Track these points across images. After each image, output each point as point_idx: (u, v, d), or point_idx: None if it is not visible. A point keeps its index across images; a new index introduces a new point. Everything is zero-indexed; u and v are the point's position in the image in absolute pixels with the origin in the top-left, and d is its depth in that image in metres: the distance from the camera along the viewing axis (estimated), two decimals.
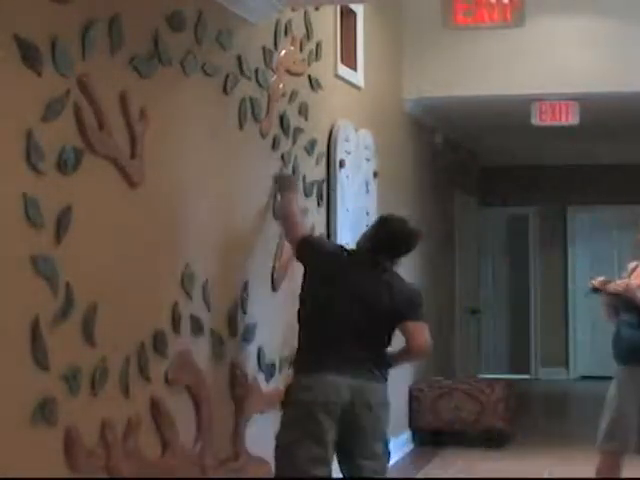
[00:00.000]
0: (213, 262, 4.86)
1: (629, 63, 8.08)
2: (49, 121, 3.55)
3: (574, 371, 13.69)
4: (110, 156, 3.94)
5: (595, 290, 5.84)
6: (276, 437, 4.66)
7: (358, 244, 4.97)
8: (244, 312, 5.17)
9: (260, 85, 5.42)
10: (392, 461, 7.60)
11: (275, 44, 5.64)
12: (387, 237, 4.79)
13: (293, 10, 5.85)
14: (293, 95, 5.87)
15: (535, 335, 13.84)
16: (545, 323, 13.83)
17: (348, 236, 6.72)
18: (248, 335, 5.21)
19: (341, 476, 4.72)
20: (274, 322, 5.57)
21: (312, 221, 6.16)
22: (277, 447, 4.64)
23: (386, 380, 4.74)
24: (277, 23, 5.65)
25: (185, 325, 4.54)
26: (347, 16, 7.02)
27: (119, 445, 3.95)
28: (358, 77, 7.26)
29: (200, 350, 4.70)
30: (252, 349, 5.28)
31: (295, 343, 4.81)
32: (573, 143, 12.00)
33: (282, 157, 5.70)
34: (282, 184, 5.50)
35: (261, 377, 5.38)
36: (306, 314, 4.76)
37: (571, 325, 13.77)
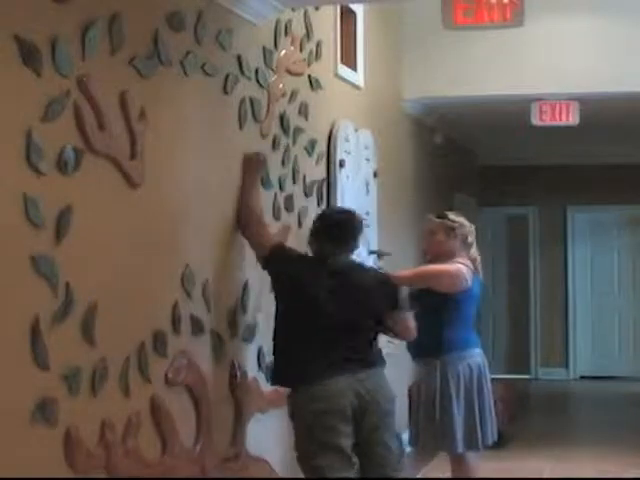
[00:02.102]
0: (213, 262, 4.86)
1: (629, 63, 8.09)
2: (49, 121, 3.54)
3: (574, 371, 13.69)
4: (110, 156, 3.94)
5: None
6: (296, 448, 4.78)
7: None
8: (244, 312, 5.17)
9: (260, 85, 5.42)
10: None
11: (275, 44, 5.64)
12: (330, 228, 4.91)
13: (293, 10, 5.85)
14: (293, 95, 5.87)
15: (535, 335, 13.84)
16: (545, 323, 13.83)
17: None
18: (248, 335, 5.21)
19: None
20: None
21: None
22: (298, 458, 4.78)
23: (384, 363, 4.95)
24: (277, 23, 5.65)
25: (185, 325, 4.54)
26: (347, 16, 7.02)
27: (119, 445, 3.95)
28: (358, 77, 7.26)
29: (200, 350, 4.70)
30: (252, 349, 5.28)
31: None
32: (573, 143, 12.00)
33: (282, 158, 5.71)
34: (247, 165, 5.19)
35: (261, 377, 5.38)
36: (294, 324, 4.81)
37: (571, 325, 13.77)
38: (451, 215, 5.81)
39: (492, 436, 5.70)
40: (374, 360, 4.91)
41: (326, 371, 4.70)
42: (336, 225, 4.93)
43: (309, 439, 4.69)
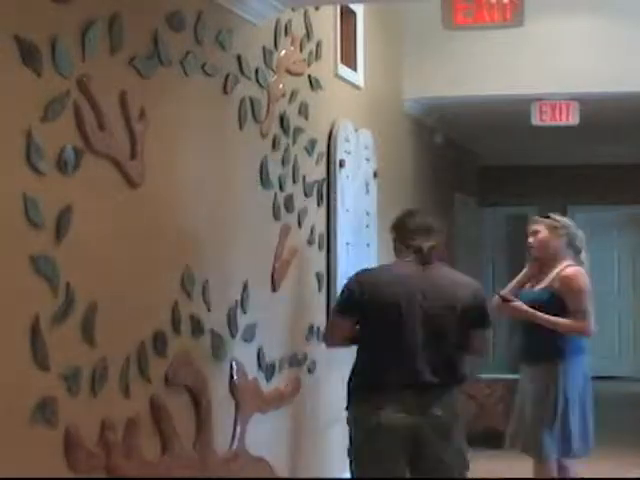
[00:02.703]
0: (213, 262, 4.86)
1: (628, 63, 8.08)
2: (49, 121, 3.54)
3: None
4: (110, 156, 3.94)
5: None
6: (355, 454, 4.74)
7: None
8: (244, 312, 5.17)
9: (260, 85, 5.42)
10: None
11: (275, 44, 5.64)
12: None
13: (293, 10, 5.85)
14: (293, 95, 5.87)
15: None
16: None
17: (348, 236, 6.73)
18: (248, 335, 5.21)
19: None
20: (274, 322, 5.56)
21: (312, 222, 6.16)
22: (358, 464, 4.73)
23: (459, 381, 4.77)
24: (277, 23, 5.65)
25: (185, 325, 4.54)
26: (347, 16, 7.02)
27: (119, 445, 3.95)
28: (358, 77, 7.26)
29: (200, 350, 4.70)
30: (252, 349, 5.28)
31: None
32: (573, 143, 12.00)
33: (282, 158, 5.71)
34: None
35: (261, 377, 5.38)
36: (370, 337, 4.73)
37: None
38: (555, 215, 6.02)
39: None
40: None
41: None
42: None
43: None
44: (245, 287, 5.18)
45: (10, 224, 3.38)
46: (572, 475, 5.96)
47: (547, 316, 5.74)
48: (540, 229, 5.91)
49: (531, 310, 5.76)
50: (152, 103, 4.25)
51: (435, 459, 4.64)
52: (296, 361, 5.87)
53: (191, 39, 4.65)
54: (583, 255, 5.91)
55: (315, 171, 6.28)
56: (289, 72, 5.81)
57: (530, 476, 7.56)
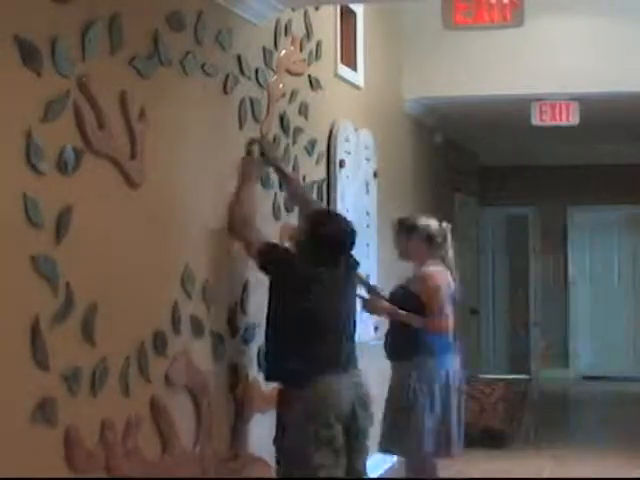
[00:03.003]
0: (213, 262, 4.86)
1: (629, 63, 8.09)
2: (49, 121, 3.55)
3: (574, 371, 13.69)
4: (110, 156, 3.94)
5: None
6: (284, 442, 4.72)
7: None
8: (244, 312, 5.17)
9: (260, 85, 5.42)
10: (392, 461, 7.60)
11: (275, 44, 5.64)
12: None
13: (293, 10, 5.85)
14: (293, 95, 5.87)
15: (535, 335, 13.84)
16: (545, 323, 13.83)
17: None
18: (248, 335, 5.21)
19: None
20: None
21: None
22: (290, 454, 4.71)
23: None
24: (277, 23, 5.66)
25: (185, 325, 4.54)
26: (347, 16, 7.03)
27: (119, 445, 3.95)
28: (358, 77, 7.26)
29: (200, 350, 4.70)
30: (252, 349, 5.27)
31: None
32: (573, 143, 12.00)
33: (282, 158, 5.70)
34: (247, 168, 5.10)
35: (261, 377, 5.37)
36: (295, 323, 4.77)
37: (571, 325, 13.78)
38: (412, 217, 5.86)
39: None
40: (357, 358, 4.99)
41: (333, 368, 4.71)
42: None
43: (309, 436, 4.66)
44: (245, 287, 5.18)
45: (10, 224, 3.38)
46: None
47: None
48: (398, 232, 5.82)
49: None
50: (152, 103, 4.25)
51: None
52: None
53: (191, 39, 4.65)
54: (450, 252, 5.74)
55: (315, 171, 6.28)
56: (289, 72, 5.82)
57: (530, 476, 7.58)
